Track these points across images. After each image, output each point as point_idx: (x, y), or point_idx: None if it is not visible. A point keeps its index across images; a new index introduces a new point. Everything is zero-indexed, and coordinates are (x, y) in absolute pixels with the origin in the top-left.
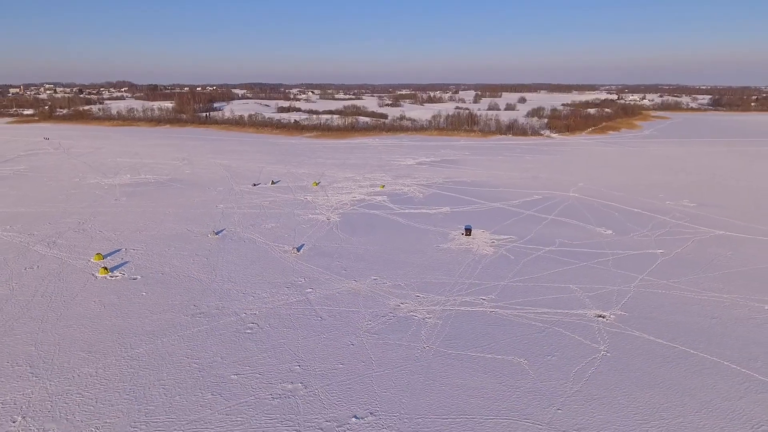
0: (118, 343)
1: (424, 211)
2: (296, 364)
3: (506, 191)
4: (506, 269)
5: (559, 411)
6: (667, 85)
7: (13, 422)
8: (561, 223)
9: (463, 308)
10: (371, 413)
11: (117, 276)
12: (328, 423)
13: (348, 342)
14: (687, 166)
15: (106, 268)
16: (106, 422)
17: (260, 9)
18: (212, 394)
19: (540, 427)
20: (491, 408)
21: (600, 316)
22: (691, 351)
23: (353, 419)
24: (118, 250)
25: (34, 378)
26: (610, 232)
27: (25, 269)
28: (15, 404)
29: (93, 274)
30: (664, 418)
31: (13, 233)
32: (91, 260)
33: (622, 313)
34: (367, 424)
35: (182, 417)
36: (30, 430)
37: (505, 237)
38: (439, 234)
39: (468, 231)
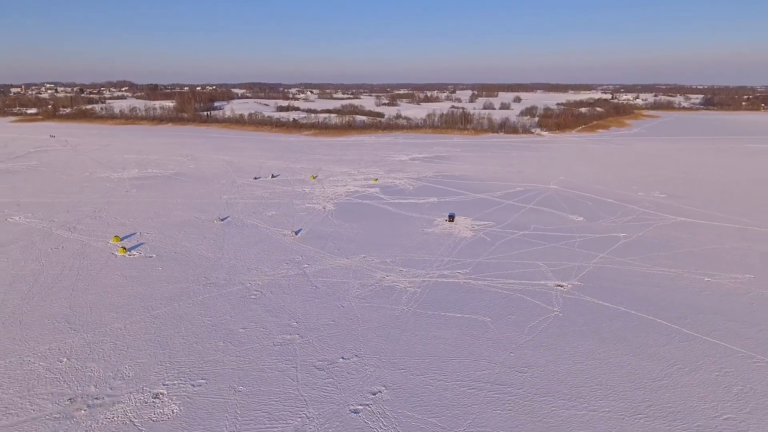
0: (141, 306)
1: (413, 201)
2: (294, 321)
3: (491, 184)
4: (482, 249)
5: (512, 354)
6: (664, 85)
7: (60, 362)
8: (538, 211)
9: (440, 279)
10: (356, 355)
11: (135, 255)
12: (320, 362)
13: (338, 305)
14: (666, 162)
15: (124, 248)
16: (137, 362)
17: (260, 9)
18: (224, 342)
19: (494, 365)
20: (455, 352)
21: (559, 285)
22: (632, 312)
23: (341, 359)
24: (134, 234)
25: (73, 331)
26: (581, 218)
27: (52, 249)
28: (60, 350)
29: (113, 253)
30: (597, 359)
31: (35, 220)
32: (110, 242)
33: (579, 283)
34: (352, 363)
35: (200, 358)
36: (75, 367)
37: (485, 223)
38: (425, 220)
39: (451, 217)
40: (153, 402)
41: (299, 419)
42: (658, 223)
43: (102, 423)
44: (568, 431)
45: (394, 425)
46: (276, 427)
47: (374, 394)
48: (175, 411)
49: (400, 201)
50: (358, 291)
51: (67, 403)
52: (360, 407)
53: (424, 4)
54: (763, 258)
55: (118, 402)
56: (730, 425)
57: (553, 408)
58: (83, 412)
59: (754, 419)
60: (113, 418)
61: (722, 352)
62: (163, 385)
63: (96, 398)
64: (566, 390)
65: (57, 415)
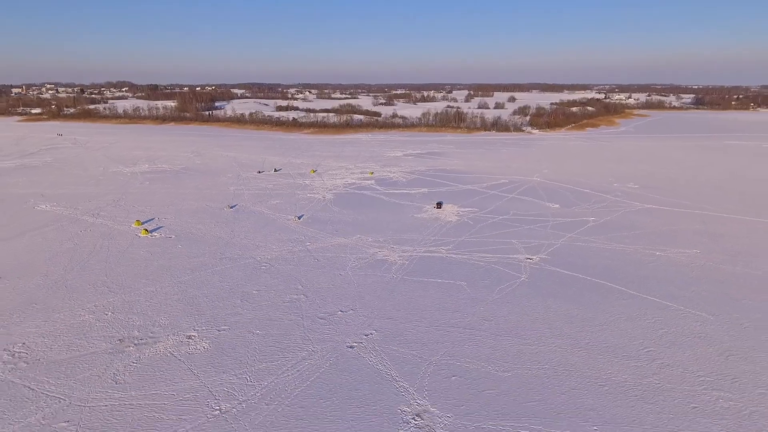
0: (168, 275)
1: (406, 191)
2: (300, 285)
3: (479, 177)
4: (465, 230)
5: (482, 308)
6: (660, 85)
7: (106, 315)
8: (518, 200)
9: (425, 254)
10: (352, 309)
11: (156, 236)
12: (323, 314)
13: (338, 273)
14: (648, 158)
15: (146, 230)
16: (171, 314)
17: (259, 10)
18: (241, 301)
19: (465, 315)
20: (434, 306)
21: (528, 258)
22: (587, 278)
23: (339, 312)
24: (152, 219)
25: (112, 293)
26: (557, 206)
27: (81, 231)
28: (104, 307)
29: (137, 235)
30: (552, 311)
31: (60, 208)
32: (132, 225)
33: (546, 257)
34: (349, 314)
35: (222, 312)
36: (119, 318)
37: (469, 209)
38: (416, 207)
39: (439, 205)
40: (187, 341)
41: (306, 352)
42: (626, 209)
43: (148, 356)
44: (519, 359)
45: (381, 355)
46: (287, 357)
47: (366, 335)
48: (206, 347)
49: (394, 191)
50: (355, 263)
51: (117, 342)
52: (355, 344)
53: (424, 5)
54: (712, 237)
55: (159, 342)
56: (649, 355)
57: (510, 345)
58: (132, 348)
59: (670, 351)
60: (156, 352)
61: (657, 307)
62: (194, 330)
63: (141, 339)
64: (522, 332)
65: (111, 351)
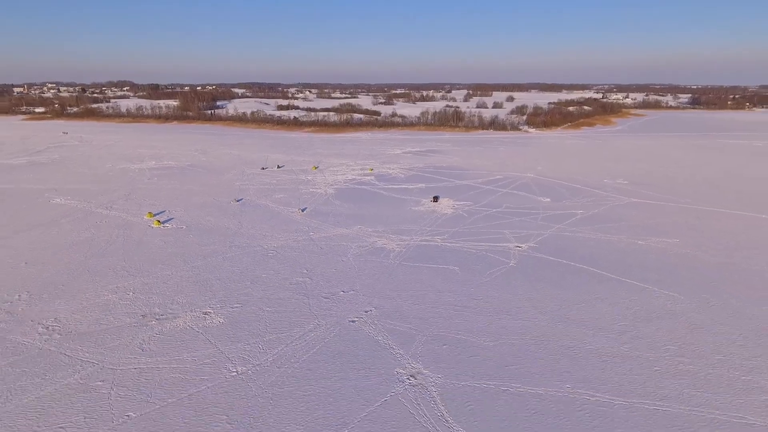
0: (182, 260)
1: (404, 186)
2: (304, 269)
3: (475, 173)
4: (459, 222)
5: (473, 289)
6: (658, 85)
7: (128, 295)
8: (511, 195)
9: (421, 243)
10: (353, 290)
11: (168, 226)
12: (326, 293)
13: (340, 259)
14: (641, 156)
15: (159, 221)
16: (187, 294)
17: (259, 10)
18: (251, 283)
19: (458, 296)
20: (428, 287)
21: (518, 246)
22: (571, 263)
23: (341, 292)
24: (163, 211)
25: (131, 276)
26: (548, 200)
27: (97, 222)
28: (125, 288)
29: (150, 225)
30: (536, 292)
31: (75, 201)
32: (145, 217)
33: (534, 245)
34: (350, 294)
35: (234, 292)
36: (140, 298)
37: (464, 203)
38: (413, 201)
39: (435, 198)
40: (204, 317)
41: (312, 325)
42: (614, 203)
43: (169, 328)
44: (504, 331)
45: (378, 328)
46: (295, 329)
47: (366, 312)
48: (221, 321)
49: (393, 186)
50: (355, 251)
51: (140, 317)
52: (356, 319)
53: (424, 5)
54: (696, 229)
55: (178, 317)
56: (621, 328)
57: (497, 320)
58: (154, 322)
59: (641, 325)
60: (177, 325)
61: (634, 289)
62: (210, 307)
63: (162, 315)
64: (509, 309)
65: (135, 325)
